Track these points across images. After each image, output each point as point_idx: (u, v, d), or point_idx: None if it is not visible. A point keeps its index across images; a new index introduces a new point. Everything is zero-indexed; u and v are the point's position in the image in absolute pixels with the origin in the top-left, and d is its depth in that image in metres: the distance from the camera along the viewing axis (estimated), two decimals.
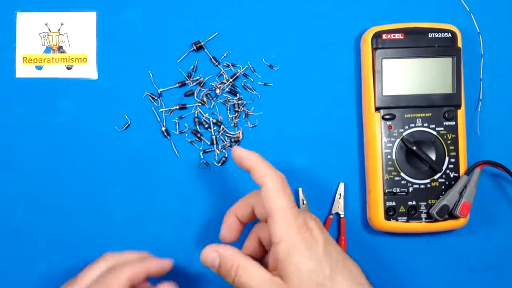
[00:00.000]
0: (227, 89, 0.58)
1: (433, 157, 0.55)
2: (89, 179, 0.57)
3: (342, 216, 0.57)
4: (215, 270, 0.47)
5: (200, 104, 0.58)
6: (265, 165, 0.46)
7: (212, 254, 0.46)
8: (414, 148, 0.55)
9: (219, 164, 0.58)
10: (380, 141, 0.55)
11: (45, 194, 0.57)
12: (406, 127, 0.55)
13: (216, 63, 0.58)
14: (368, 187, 0.57)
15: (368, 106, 0.56)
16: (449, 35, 0.56)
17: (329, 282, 0.43)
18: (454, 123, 0.56)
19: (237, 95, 0.58)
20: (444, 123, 0.56)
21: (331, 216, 0.57)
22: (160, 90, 0.58)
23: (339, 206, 0.57)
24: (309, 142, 0.58)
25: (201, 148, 0.58)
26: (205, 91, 0.58)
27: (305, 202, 0.57)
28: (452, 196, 0.54)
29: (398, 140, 0.55)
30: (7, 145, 0.58)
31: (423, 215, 0.55)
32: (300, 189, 0.57)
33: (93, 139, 0.58)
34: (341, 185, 0.57)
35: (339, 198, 0.57)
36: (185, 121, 0.58)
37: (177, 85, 0.58)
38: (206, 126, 0.58)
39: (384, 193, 0.55)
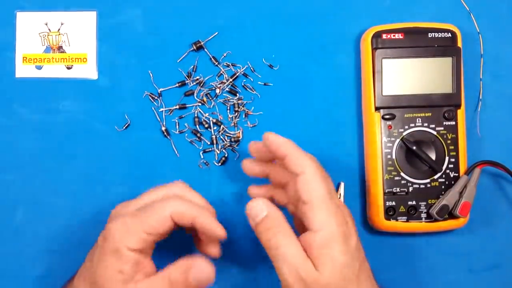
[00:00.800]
0: (227, 89, 0.58)
1: (433, 157, 0.55)
2: (89, 179, 0.57)
3: None
4: (254, 224, 0.45)
5: (200, 104, 0.58)
6: (302, 153, 0.45)
7: (261, 206, 0.45)
8: (414, 148, 0.55)
9: (219, 164, 0.58)
10: (380, 141, 0.55)
11: (45, 194, 0.57)
12: (406, 127, 0.56)
13: (216, 63, 0.58)
14: (368, 187, 0.57)
15: (368, 106, 0.56)
16: (449, 35, 0.56)
17: (356, 279, 0.43)
18: (454, 123, 0.56)
19: (237, 95, 0.58)
20: (444, 123, 0.56)
21: None
22: (160, 90, 0.58)
23: None
24: (309, 142, 0.58)
25: (201, 148, 0.58)
26: (205, 91, 0.58)
27: None
28: (452, 196, 0.54)
29: (398, 140, 0.55)
30: (7, 145, 0.58)
31: (423, 215, 0.55)
32: None
33: (93, 139, 0.58)
34: (342, 185, 0.57)
35: (339, 198, 0.57)
36: (185, 121, 0.58)
37: (177, 85, 0.58)
38: (206, 126, 0.58)
39: (384, 193, 0.55)
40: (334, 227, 0.43)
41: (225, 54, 0.59)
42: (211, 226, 0.46)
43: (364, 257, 0.46)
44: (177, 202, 0.46)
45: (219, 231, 0.47)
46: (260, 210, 0.45)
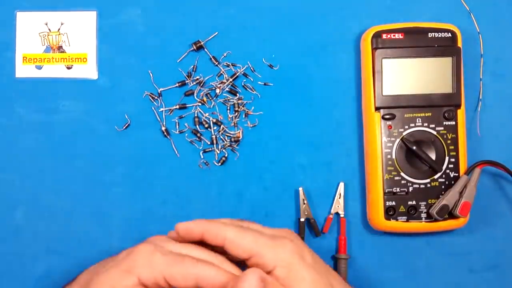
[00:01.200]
0: (227, 89, 0.58)
1: (433, 157, 0.55)
2: (89, 179, 0.57)
3: (342, 215, 0.57)
4: None
5: (200, 104, 0.58)
6: (267, 245, 0.43)
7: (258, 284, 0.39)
8: (414, 148, 0.55)
9: (219, 164, 0.58)
10: (380, 141, 0.55)
11: (45, 194, 0.57)
12: (406, 126, 0.56)
13: (216, 63, 0.58)
14: (368, 187, 0.57)
15: (368, 106, 0.56)
16: (449, 35, 0.56)
17: None
18: (454, 123, 0.56)
19: (237, 94, 0.58)
20: (444, 123, 0.56)
21: (331, 216, 0.57)
22: (160, 89, 0.58)
23: (339, 206, 0.57)
24: (309, 142, 0.58)
25: (201, 148, 0.58)
26: (205, 90, 0.58)
27: (305, 201, 0.57)
28: (452, 196, 0.54)
29: (398, 140, 0.55)
30: (7, 145, 0.58)
31: (423, 215, 0.55)
32: (300, 188, 0.57)
33: (93, 139, 0.58)
34: (341, 184, 0.57)
35: (339, 198, 0.57)
36: (185, 121, 0.58)
37: (177, 84, 0.58)
38: (206, 125, 0.58)
39: (384, 193, 0.55)
40: None
41: (225, 54, 0.59)
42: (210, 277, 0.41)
43: None
44: (206, 268, 0.41)
45: (220, 278, 0.42)
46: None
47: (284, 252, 0.43)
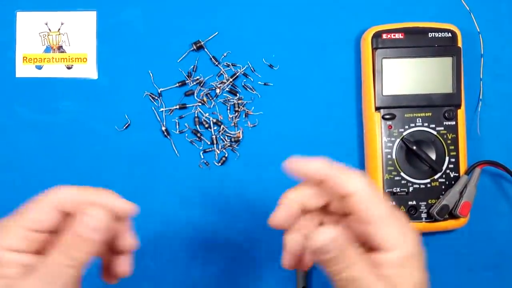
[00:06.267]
0: (227, 89, 0.58)
1: (433, 157, 0.55)
2: (89, 179, 0.57)
3: None
4: (322, 259, 0.38)
5: (200, 104, 0.58)
6: (343, 170, 0.40)
7: (331, 242, 0.37)
8: (414, 148, 0.55)
9: (219, 164, 0.58)
10: (380, 141, 0.55)
11: None
12: (406, 126, 0.56)
13: (216, 63, 0.58)
14: None
15: (368, 106, 0.56)
16: (449, 35, 0.56)
17: None
18: (454, 123, 0.56)
19: (237, 94, 0.58)
20: (444, 123, 0.56)
21: None
22: (160, 89, 0.58)
23: None
24: (309, 142, 0.58)
25: (201, 148, 0.58)
26: (205, 90, 0.58)
27: None
28: (452, 196, 0.54)
29: (398, 140, 0.55)
30: (7, 145, 0.58)
31: (423, 215, 0.55)
32: None
33: (93, 139, 0.58)
34: None
35: None
36: (185, 121, 0.58)
37: (177, 84, 0.58)
38: (206, 125, 0.58)
39: (384, 193, 0.55)
40: (409, 246, 0.40)
41: (225, 54, 0.59)
42: (115, 202, 0.39)
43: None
44: (61, 189, 0.39)
45: (127, 205, 0.40)
46: (331, 247, 0.38)
47: (362, 180, 0.40)
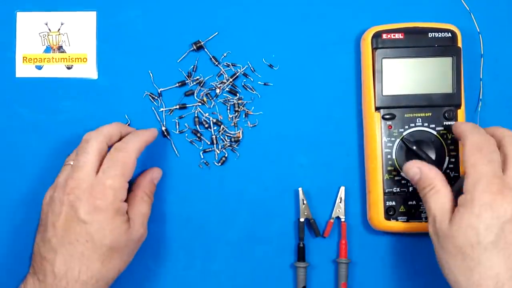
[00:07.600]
0: (227, 89, 0.58)
1: (433, 157, 0.55)
2: None
3: (343, 220, 0.57)
4: (414, 182, 0.51)
5: (200, 104, 0.58)
6: (469, 127, 0.50)
7: (414, 169, 0.50)
8: (414, 147, 0.55)
9: (219, 164, 0.58)
10: (380, 141, 0.55)
11: (45, 194, 0.57)
12: (406, 126, 0.56)
13: (216, 63, 0.58)
14: (368, 187, 0.57)
15: (368, 106, 0.56)
16: (449, 35, 0.56)
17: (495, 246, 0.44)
18: (454, 123, 0.56)
19: (237, 94, 0.58)
20: (444, 122, 0.56)
21: (332, 220, 0.57)
22: (160, 89, 0.58)
23: (339, 210, 0.57)
24: (309, 142, 0.58)
25: (201, 148, 0.58)
26: (205, 90, 0.58)
27: (305, 202, 0.57)
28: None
29: (398, 140, 0.55)
30: (7, 145, 0.58)
31: (423, 215, 0.55)
32: (300, 189, 0.57)
33: None
34: (342, 189, 0.57)
35: (340, 202, 0.57)
36: (185, 121, 0.58)
37: (177, 85, 0.58)
38: (206, 126, 0.58)
39: (384, 193, 0.55)
40: (480, 192, 0.45)
41: (225, 54, 0.59)
42: (145, 133, 0.54)
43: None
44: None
45: (151, 131, 0.54)
46: (413, 173, 0.50)
47: None
